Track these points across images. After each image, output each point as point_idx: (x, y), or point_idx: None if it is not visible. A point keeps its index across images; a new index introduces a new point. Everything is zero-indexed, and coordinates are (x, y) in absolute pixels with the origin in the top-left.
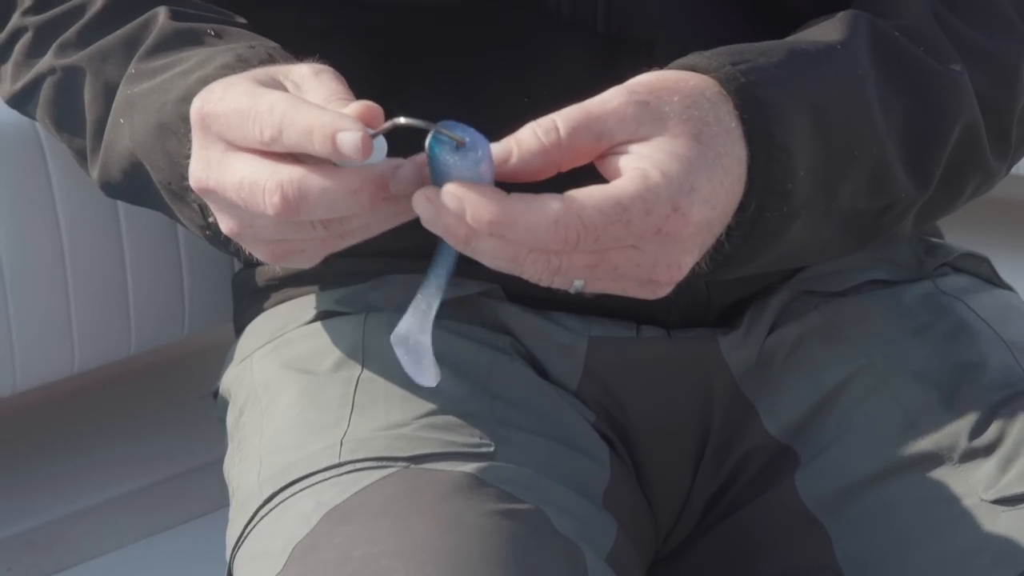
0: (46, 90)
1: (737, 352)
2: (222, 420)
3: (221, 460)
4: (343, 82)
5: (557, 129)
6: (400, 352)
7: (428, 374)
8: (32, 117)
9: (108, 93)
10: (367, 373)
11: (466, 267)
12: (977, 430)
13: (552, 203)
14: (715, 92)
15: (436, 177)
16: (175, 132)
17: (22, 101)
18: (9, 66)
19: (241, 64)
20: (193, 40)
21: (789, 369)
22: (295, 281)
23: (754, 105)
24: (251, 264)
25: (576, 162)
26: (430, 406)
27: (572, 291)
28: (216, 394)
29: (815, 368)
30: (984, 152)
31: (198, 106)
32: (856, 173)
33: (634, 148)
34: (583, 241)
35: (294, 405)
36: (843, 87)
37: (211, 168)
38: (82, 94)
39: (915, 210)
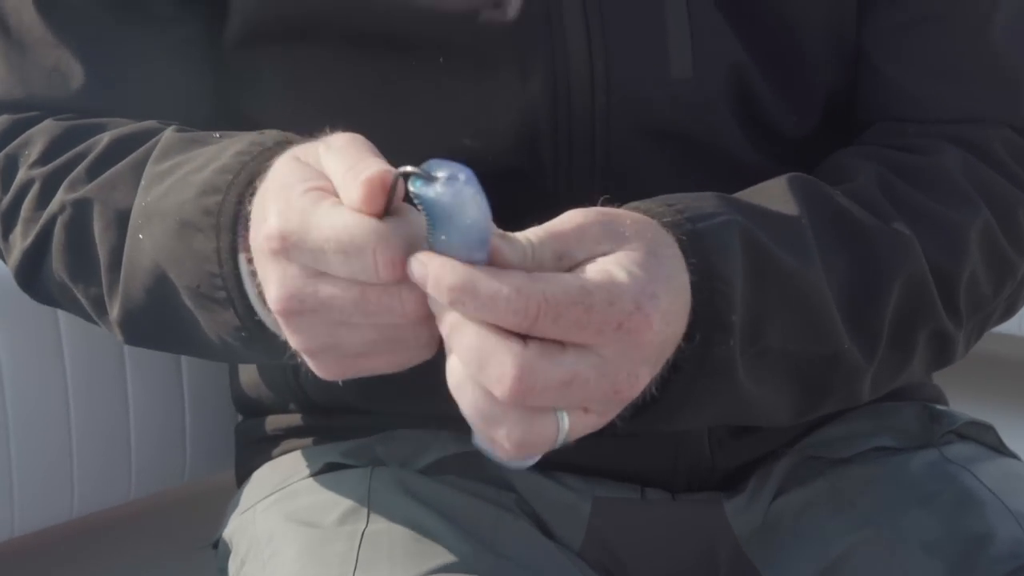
0: (58, 234)
1: (742, 516)
2: (223, 571)
3: None
4: (357, 146)
5: (532, 252)
6: (483, 448)
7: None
8: (41, 295)
9: (120, 220)
10: (372, 528)
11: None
12: None
13: (516, 274)
14: (660, 226)
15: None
16: (200, 228)
17: (35, 260)
18: (18, 227)
19: (255, 147)
20: (198, 144)
21: (795, 535)
22: (300, 432)
23: (695, 239)
24: (255, 414)
25: None
26: (435, 563)
27: (558, 443)
28: (217, 544)
29: (821, 535)
30: (935, 308)
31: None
32: (786, 312)
33: (595, 259)
34: (542, 317)
35: (297, 559)
36: (782, 230)
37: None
38: (92, 230)
39: (870, 373)
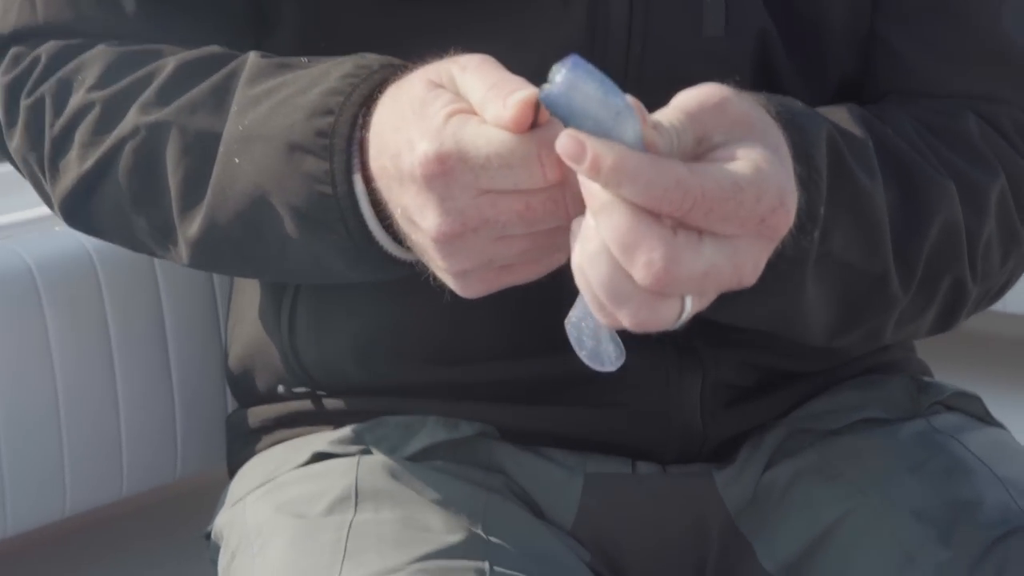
0: (126, 158)
1: (733, 488)
2: (214, 563)
3: None
4: (492, 65)
5: (677, 140)
6: (575, 339)
7: (609, 356)
8: (87, 222)
9: (201, 143)
10: (360, 517)
11: (462, 407)
12: (975, 567)
13: (677, 166)
14: (772, 119)
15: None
16: (310, 150)
17: (91, 185)
18: (73, 151)
19: (362, 70)
20: (289, 68)
21: (785, 506)
22: (288, 423)
23: (797, 130)
24: (244, 405)
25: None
26: (424, 550)
27: (678, 324)
28: (209, 536)
29: (812, 505)
30: (962, 256)
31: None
32: (851, 220)
33: (733, 146)
34: (695, 210)
35: (286, 551)
36: (855, 146)
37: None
38: (165, 153)
39: (899, 307)
